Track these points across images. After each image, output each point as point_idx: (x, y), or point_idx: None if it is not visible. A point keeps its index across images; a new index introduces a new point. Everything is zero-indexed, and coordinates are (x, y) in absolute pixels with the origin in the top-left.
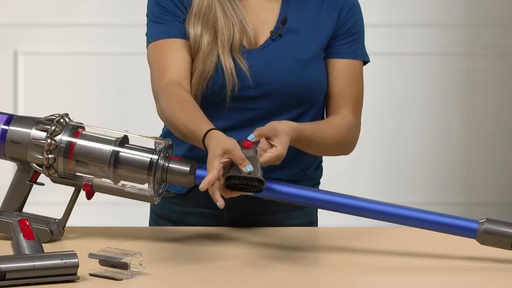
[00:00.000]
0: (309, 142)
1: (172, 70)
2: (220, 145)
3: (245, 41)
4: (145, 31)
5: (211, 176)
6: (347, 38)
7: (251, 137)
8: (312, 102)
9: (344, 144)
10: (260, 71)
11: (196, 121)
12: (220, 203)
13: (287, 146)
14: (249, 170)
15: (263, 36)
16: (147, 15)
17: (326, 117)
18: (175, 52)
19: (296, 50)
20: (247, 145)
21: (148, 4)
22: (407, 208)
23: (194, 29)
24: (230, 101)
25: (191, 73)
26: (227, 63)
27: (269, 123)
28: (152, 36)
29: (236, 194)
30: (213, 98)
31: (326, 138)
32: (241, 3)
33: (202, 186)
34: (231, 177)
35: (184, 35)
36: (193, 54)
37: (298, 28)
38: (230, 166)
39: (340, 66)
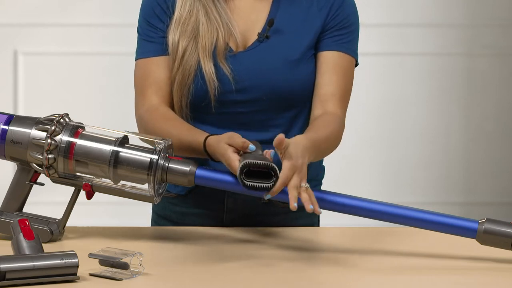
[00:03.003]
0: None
1: (152, 92)
2: (222, 141)
3: (232, 44)
4: None
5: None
6: (335, 32)
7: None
8: (305, 102)
9: (335, 144)
10: (246, 74)
11: (189, 134)
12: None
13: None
14: (252, 149)
15: (252, 38)
16: (137, 29)
17: (312, 111)
18: (155, 71)
19: (283, 51)
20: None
21: (138, 17)
22: (407, 208)
23: (173, 37)
24: (216, 105)
25: (173, 81)
26: (207, 68)
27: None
28: (137, 53)
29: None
30: (198, 103)
31: (321, 144)
32: (228, 5)
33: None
34: (245, 164)
35: (166, 50)
36: (172, 61)
37: (286, 28)
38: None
39: (326, 58)
